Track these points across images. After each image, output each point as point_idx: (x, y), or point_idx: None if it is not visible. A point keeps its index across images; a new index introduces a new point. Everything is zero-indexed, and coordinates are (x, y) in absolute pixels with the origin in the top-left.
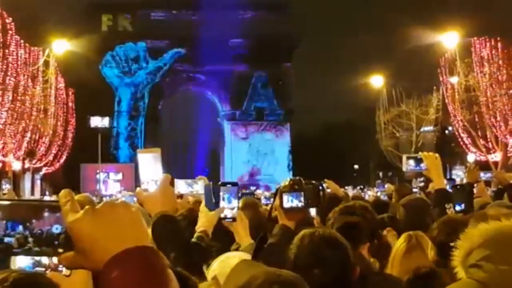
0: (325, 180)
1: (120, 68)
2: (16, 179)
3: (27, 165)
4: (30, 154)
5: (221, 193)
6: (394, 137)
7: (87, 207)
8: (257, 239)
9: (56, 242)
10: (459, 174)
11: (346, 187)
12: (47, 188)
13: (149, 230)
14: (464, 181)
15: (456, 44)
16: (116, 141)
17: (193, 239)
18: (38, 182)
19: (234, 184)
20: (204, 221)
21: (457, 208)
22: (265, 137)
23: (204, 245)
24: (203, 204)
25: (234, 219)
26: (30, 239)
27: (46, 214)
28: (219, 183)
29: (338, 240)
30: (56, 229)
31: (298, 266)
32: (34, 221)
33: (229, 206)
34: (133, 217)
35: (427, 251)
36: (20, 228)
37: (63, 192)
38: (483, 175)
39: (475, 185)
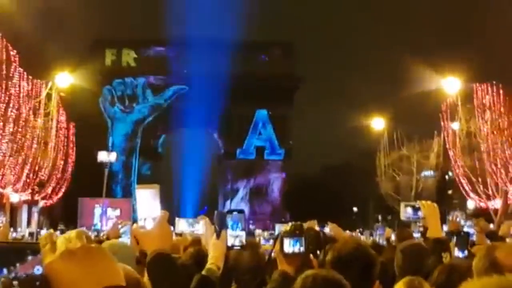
0: (329, 223)
1: (118, 104)
2: (13, 212)
3: (24, 197)
4: (40, 185)
5: (227, 221)
6: (394, 181)
7: (63, 249)
8: (255, 284)
9: (37, 283)
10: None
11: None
12: (44, 221)
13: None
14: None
15: (457, 90)
16: (113, 176)
17: (203, 272)
18: (36, 215)
19: (240, 211)
20: (215, 253)
21: (460, 254)
22: (264, 176)
23: (213, 278)
24: (214, 236)
25: (242, 246)
26: (15, 283)
27: (29, 257)
28: (226, 211)
29: (341, 282)
30: (38, 270)
31: None
32: (18, 264)
33: (236, 234)
34: (107, 258)
35: None
36: (5, 271)
37: (44, 235)
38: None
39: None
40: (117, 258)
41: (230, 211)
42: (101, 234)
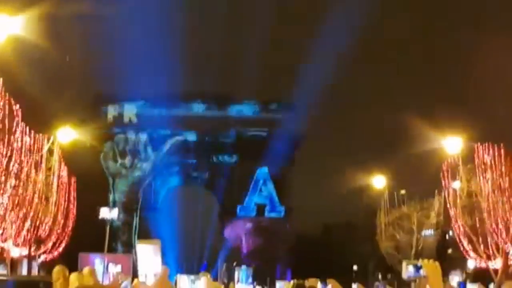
0: (329, 280)
1: (119, 159)
2: (13, 266)
3: (24, 252)
4: (39, 241)
5: (236, 273)
6: (394, 239)
7: (76, 284)
8: None
9: None
10: (455, 279)
11: None
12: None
13: None
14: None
15: (459, 149)
16: (113, 231)
17: None
18: (36, 269)
19: (248, 265)
20: None
21: None
22: (265, 234)
23: None
24: None
25: None
26: None
27: None
28: (234, 264)
29: None
30: None
31: None
32: None
33: (245, 287)
34: None
35: None
36: None
37: (56, 268)
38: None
39: None
40: None
41: (239, 264)
42: None
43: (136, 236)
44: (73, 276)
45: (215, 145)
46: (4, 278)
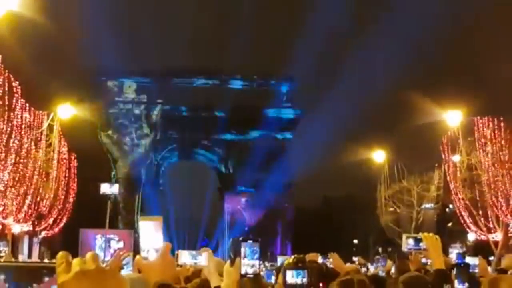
0: (330, 254)
1: (120, 136)
2: (15, 242)
3: (26, 228)
4: (39, 217)
5: (242, 249)
6: (395, 213)
7: (78, 269)
8: None
9: None
10: (455, 252)
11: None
12: (45, 252)
13: None
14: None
15: (459, 123)
16: (115, 208)
17: None
18: (36, 245)
19: (255, 240)
20: (227, 280)
21: (460, 286)
22: (265, 208)
23: None
24: (227, 263)
25: (256, 275)
26: None
27: (46, 277)
28: (240, 238)
29: None
30: None
31: None
32: (35, 285)
33: (251, 263)
34: (120, 282)
35: None
36: None
37: (60, 254)
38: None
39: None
40: None
41: (245, 239)
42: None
43: (138, 212)
44: (76, 261)
45: (213, 119)
46: (4, 264)
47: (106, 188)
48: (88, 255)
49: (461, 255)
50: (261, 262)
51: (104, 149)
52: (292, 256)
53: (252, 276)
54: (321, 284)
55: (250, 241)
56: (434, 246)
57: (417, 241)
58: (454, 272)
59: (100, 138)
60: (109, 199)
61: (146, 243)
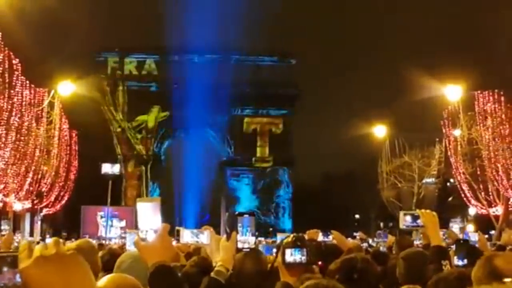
0: (332, 231)
1: (121, 113)
2: (16, 220)
3: (27, 205)
4: (41, 195)
5: (238, 224)
6: (396, 188)
7: (37, 255)
8: None
9: None
10: (456, 227)
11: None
12: (47, 229)
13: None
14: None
15: (459, 97)
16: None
17: (212, 274)
18: (38, 223)
19: (251, 214)
20: (223, 255)
21: (459, 263)
22: (266, 184)
23: (223, 280)
24: (223, 238)
25: (252, 249)
26: None
27: (5, 268)
28: (236, 213)
29: None
30: (19, 278)
31: None
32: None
33: (246, 239)
34: (81, 268)
35: None
36: None
37: (23, 243)
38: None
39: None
40: (130, 269)
41: (241, 214)
42: (106, 242)
43: (144, 190)
44: (37, 247)
45: (214, 95)
46: None
47: (107, 168)
48: (51, 240)
49: (467, 232)
50: (256, 235)
51: (107, 126)
52: (291, 235)
53: (248, 250)
54: (320, 263)
55: (246, 216)
56: (432, 223)
57: (415, 218)
58: (453, 248)
59: (104, 115)
60: (110, 178)
61: (144, 224)
